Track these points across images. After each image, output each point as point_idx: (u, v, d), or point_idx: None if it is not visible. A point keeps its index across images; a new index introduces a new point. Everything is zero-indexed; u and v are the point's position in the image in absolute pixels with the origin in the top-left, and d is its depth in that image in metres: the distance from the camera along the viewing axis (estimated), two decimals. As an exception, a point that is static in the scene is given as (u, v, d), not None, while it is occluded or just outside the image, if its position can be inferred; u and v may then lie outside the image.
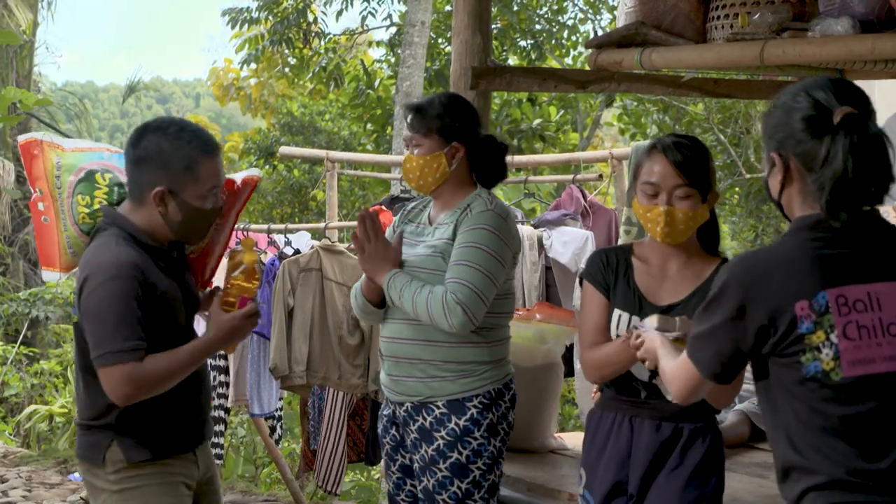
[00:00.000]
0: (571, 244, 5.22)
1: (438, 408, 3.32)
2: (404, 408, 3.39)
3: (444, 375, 3.32)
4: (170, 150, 3.00)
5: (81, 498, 6.89)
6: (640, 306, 2.99)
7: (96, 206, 3.17)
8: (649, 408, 3.00)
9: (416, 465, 3.39)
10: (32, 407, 11.55)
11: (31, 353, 13.24)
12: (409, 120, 3.44)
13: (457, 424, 3.30)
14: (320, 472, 6.04)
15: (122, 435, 3.02)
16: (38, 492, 7.72)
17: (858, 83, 5.59)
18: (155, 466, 3.05)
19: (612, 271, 3.05)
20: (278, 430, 6.67)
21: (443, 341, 3.31)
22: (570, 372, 5.13)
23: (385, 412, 3.50)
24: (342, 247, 5.90)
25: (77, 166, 3.22)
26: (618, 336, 2.95)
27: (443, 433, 3.31)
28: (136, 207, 3.05)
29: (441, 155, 3.38)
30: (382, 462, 3.62)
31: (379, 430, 3.55)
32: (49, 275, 3.30)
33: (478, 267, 3.23)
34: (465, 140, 3.42)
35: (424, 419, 3.34)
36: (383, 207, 5.95)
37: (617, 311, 3.03)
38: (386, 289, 3.32)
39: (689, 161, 2.92)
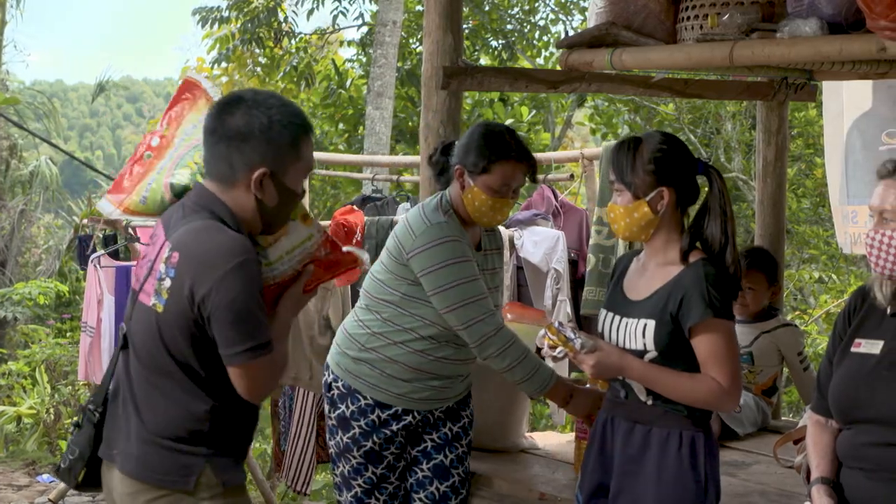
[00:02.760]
0: (543, 244, 5.22)
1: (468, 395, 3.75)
2: (442, 408, 3.64)
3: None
4: (275, 124, 2.64)
5: (49, 500, 6.84)
6: (619, 303, 3.04)
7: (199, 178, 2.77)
8: (626, 409, 3.01)
9: (427, 445, 3.64)
10: (0, 408, 11.45)
11: (-2, 354, 13.13)
12: None
13: (469, 404, 3.76)
14: (290, 473, 6.02)
15: (217, 455, 2.65)
16: (6, 493, 7.65)
17: (826, 84, 5.66)
18: (242, 491, 2.73)
19: (609, 280, 3.21)
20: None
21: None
22: (541, 371, 5.13)
23: (393, 426, 3.56)
24: (313, 246, 5.87)
25: None
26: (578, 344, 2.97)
27: (467, 412, 3.73)
28: (225, 190, 2.66)
29: None
30: (366, 480, 3.62)
31: (374, 448, 3.57)
32: (106, 205, 2.91)
33: None
34: None
35: (454, 403, 3.68)
36: (355, 207, 5.95)
37: (602, 311, 3.09)
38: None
39: (620, 158, 2.97)
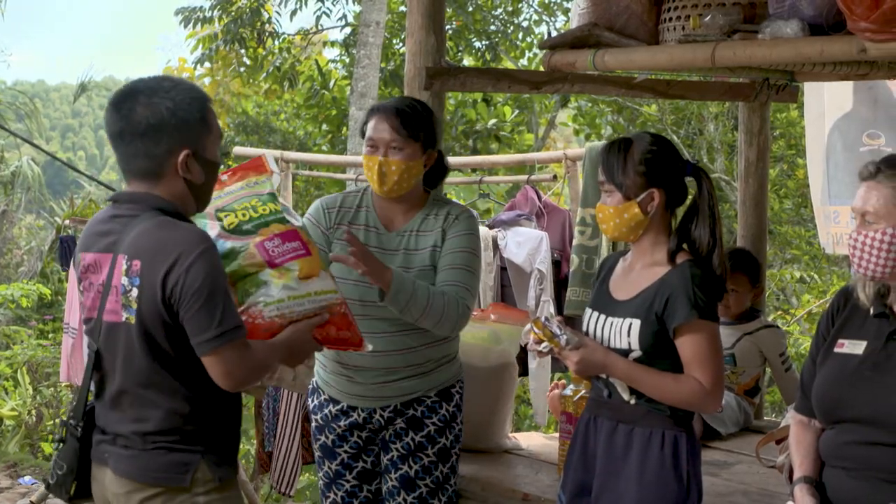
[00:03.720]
0: (526, 244, 5.23)
1: (430, 398, 3.55)
2: (390, 408, 3.53)
3: (434, 368, 3.55)
4: (179, 105, 2.66)
5: (31, 502, 6.80)
6: (604, 302, 3.06)
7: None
8: (609, 408, 3.01)
9: (394, 454, 3.56)
10: (-19, 410, 11.39)
11: (-21, 356, 13.06)
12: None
13: (447, 411, 3.56)
14: (275, 474, 6.01)
15: (211, 451, 2.71)
16: (-12, 496, 7.62)
17: (808, 85, 5.69)
18: (235, 485, 2.80)
19: (595, 280, 3.20)
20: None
21: (431, 342, 3.49)
22: (524, 372, 5.15)
23: (342, 423, 3.58)
24: (296, 247, 5.86)
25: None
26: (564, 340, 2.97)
27: (434, 419, 3.54)
28: (154, 184, 2.70)
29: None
30: (325, 474, 3.68)
31: (327, 442, 3.63)
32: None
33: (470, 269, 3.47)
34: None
35: (415, 409, 3.54)
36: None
37: (588, 310, 3.11)
38: (396, 285, 3.27)
39: (612, 159, 2.99)
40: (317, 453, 3.71)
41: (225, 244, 2.79)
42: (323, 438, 3.65)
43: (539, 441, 4.48)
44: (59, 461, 2.84)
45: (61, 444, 2.85)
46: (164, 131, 2.65)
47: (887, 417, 2.62)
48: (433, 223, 3.50)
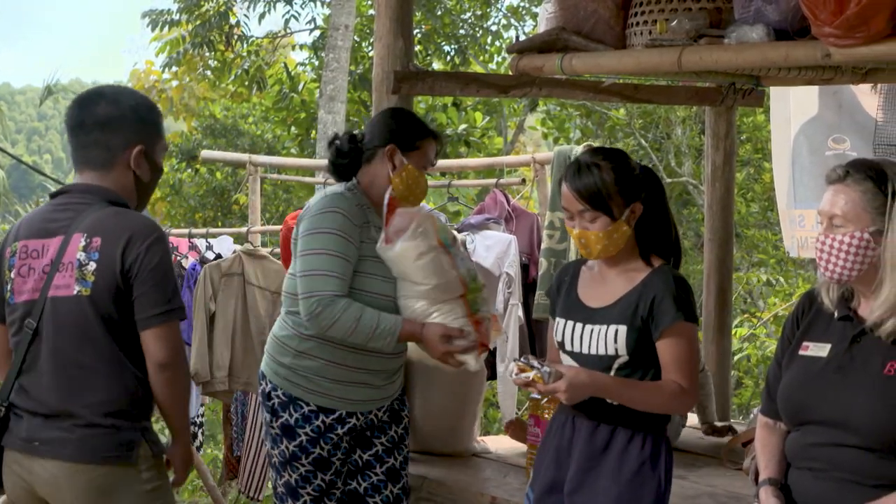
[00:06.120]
0: (495, 248, 5.23)
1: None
2: (385, 406, 3.65)
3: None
4: (141, 106, 2.96)
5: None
6: (578, 310, 3.05)
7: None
8: (589, 408, 3.00)
9: (378, 449, 3.64)
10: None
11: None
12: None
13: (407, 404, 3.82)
14: (243, 478, 6.00)
15: (147, 428, 2.94)
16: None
17: (774, 90, 5.73)
18: (164, 462, 3.01)
19: (556, 289, 3.17)
20: (200, 437, 6.59)
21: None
22: (492, 375, 5.15)
23: (339, 431, 3.53)
24: (265, 251, 5.86)
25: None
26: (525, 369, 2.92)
27: (405, 412, 3.73)
28: (103, 175, 2.94)
29: None
30: (315, 488, 3.58)
31: (323, 454, 3.53)
32: None
33: None
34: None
35: (395, 403, 3.70)
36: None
37: (559, 319, 3.09)
38: None
39: (590, 186, 2.95)
40: (304, 469, 3.53)
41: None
42: (317, 451, 3.52)
43: (507, 445, 4.49)
44: None
45: None
46: (124, 125, 2.91)
47: (852, 419, 2.64)
48: None
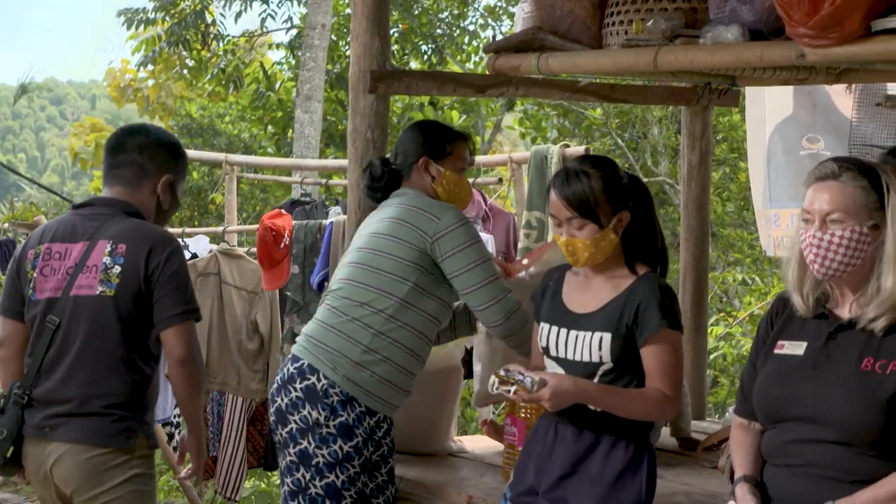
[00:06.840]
0: (471, 247, 5.22)
1: None
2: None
3: None
4: (176, 144, 3.43)
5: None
6: (563, 316, 3.06)
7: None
8: (573, 415, 3.01)
9: (386, 449, 3.63)
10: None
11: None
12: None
13: None
14: (220, 479, 5.97)
15: (147, 420, 3.27)
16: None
17: (749, 90, 5.75)
18: (153, 455, 3.33)
19: (541, 293, 3.18)
20: (176, 437, 6.56)
21: None
22: (469, 375, 5.15)
23: (379, 433, 3.57)
24: (241, 251, 5.85)
25: None
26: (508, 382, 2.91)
27: None
28: (131, 192, 3.30)
29: None
30: (358, 491, 3.55)
31: (371, 457, 3.54)
32: None
33: None
34: None
35: None
36: (283, 211, 5.91)
37: (543, 324, 3.10)
38: None
39: (578, 194, 2.97)
40: (352, 470, 3.46)
41: None
42: (366, 454, 3.50)
43: (484, 444, 4.48)
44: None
45: (1, 413, 3.25)
46: (161, 155, 3.33)
47: (828, 415, 2.65)
48: None
